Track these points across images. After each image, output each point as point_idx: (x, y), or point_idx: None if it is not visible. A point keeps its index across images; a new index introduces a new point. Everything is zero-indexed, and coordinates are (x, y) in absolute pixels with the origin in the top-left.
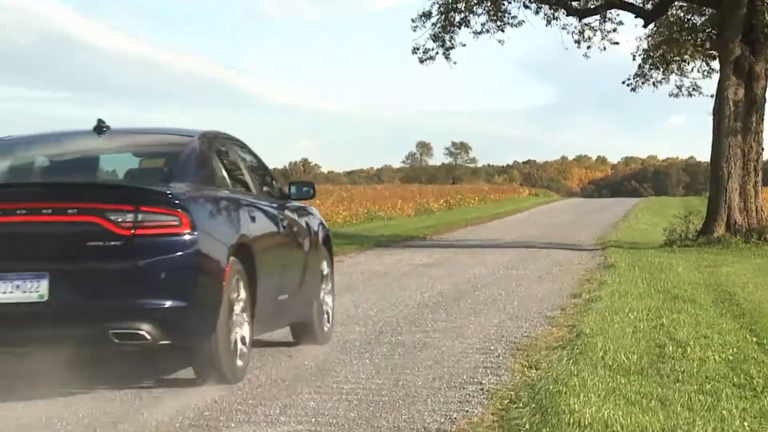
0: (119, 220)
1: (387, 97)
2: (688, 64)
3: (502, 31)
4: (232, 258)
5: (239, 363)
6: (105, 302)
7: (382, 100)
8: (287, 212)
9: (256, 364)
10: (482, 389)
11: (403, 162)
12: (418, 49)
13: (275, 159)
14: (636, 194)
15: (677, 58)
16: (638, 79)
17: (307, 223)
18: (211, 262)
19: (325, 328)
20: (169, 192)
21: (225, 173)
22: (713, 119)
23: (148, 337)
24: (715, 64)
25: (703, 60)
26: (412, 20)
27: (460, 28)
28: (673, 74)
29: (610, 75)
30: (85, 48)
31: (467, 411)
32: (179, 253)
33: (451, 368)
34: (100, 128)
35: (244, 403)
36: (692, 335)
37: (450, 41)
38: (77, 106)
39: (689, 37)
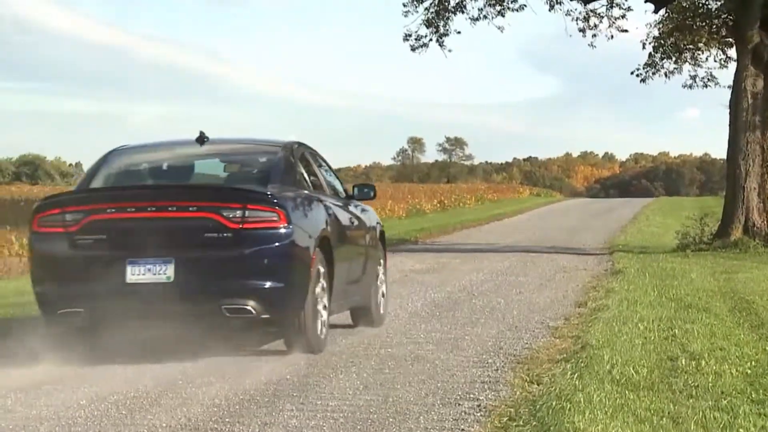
0: (230, 216)
1: (376, 88)
2: (703, 52)
3: (502, 16)
4: (316, 248)
5: (321, 336)
6: (219, 282)
7: (370, 91)
8: (352, 210)
9: (232, 374)
10: (479, 406)
11: (394, 159)
12: (410, 35)
13: None
14: (646, 194)
15: (690, 47)
16: (648, 69)
17: (368, 220)
18: (302, 250)
19: (381, 312)
20: (269, 193)
21: (306, 177)
22: (730, 113)
23: (253, 311)
24: (732, 53)
25: (718, 48)
26: (404, 4)
27: (455, 14)
28: (687, 64)
29: (618, 65)
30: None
31: (463, 430)
32: (277, 243)
33: (446, 383)
34: (202, 139)
35: (220, 421)
36: (707, 347)
37: (444, 27)
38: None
39: (703, 24)
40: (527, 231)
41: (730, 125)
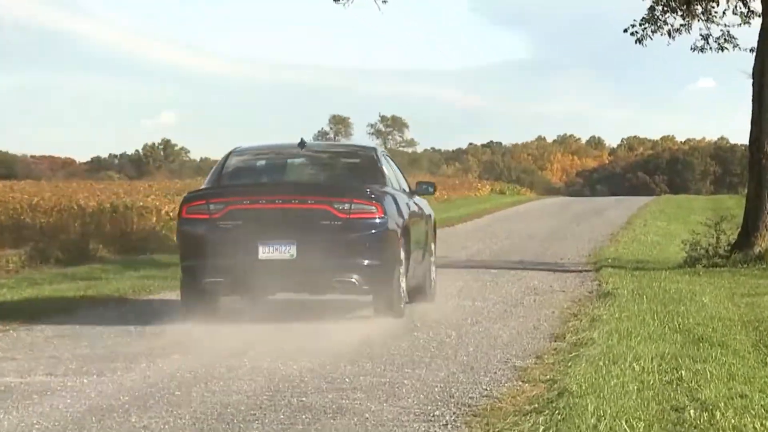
0: (340, 207)
1: (287, 53)
2: (718, 4)
3: None
4: (401, 234)
5: (402, 305)
6: (331, 260)
7: (279, 56)
8: (417, 202)
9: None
10: None
11: None
12: None
13: (125, 142)
14: (645, 191)
15: None
16: (647, 25)
17: (427, 212)
18: (393, 236)
19: (433, 291)
20: (369, 190)
21: (389, 175)
22: (753, 84)
23: (357, 284)
24: (756, 5)
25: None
26: None
27: None
28: (697, 19)
29: (606, 23)
30: None
31: None
32: (375, 230)
33: None
34: (303, 144)
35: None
36: (723, 394)
37: None
38: None
39: None
40: (487, 240)
41: (753, 100)
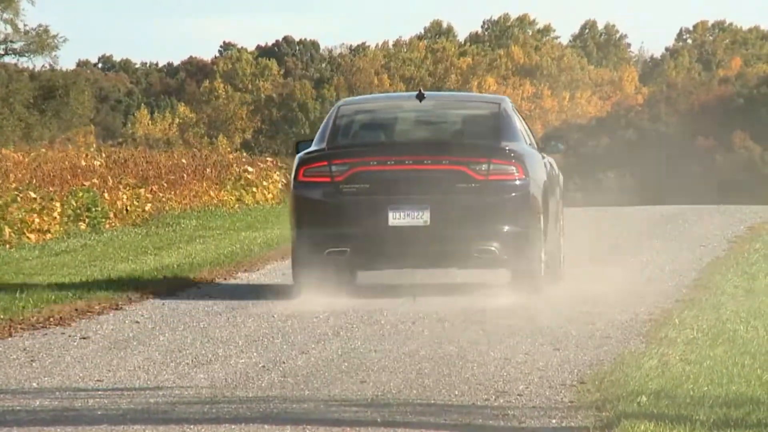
0: (477, 168)
1: None
2: None
3: None
4: (541, 198)
5: (542, 273)
6: (469, 227)
7: None
8: (549, 162)
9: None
10: None
11: None
12: None
13: None
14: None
15: None
16: None
17: (557, 173)
18: (535, 199)
19: (562, 261)
20: (508, 149)
21: (524, 132)
22: None
23: (497, 252)
24: None
25: None
26: None
27: None
28: None
29: None
30: None
31: None
32: (516, 193)
33: None
34: (421, 95)
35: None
36: None
37: None
38: None
39: None
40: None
41: None
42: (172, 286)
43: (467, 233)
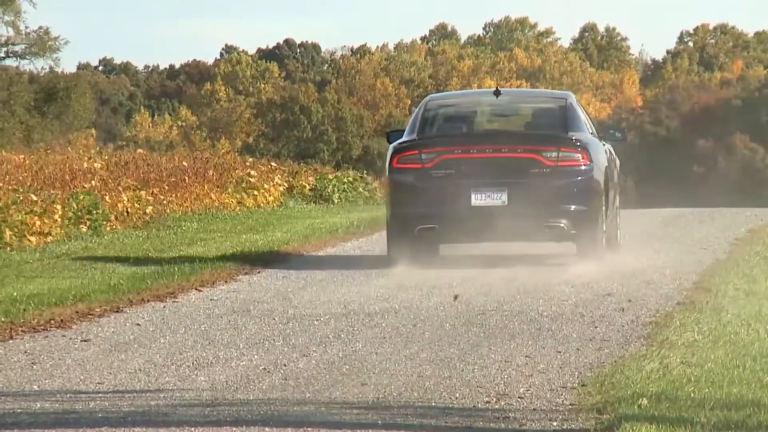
0: (548, 155)
1: None
2: None
3: None
4: (603, 181)
5: (603, 245)
6: (541, 206)
7: None
8: (609, 149)
9: None
10: None
11: None
12: None
13: None
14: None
15: None
16: None
17: (614, 158)
18: (597, 182)
19: (619, 239)
20: (575, 138)
21: (587, 123)
22: None
23: (565, 228)
24: None
25: None
26: None
27: None
28: None
29: None
30: None
31: None
32: (581, 177)
33: None
34: (498, 92)
35: None
36: None
37: None
38: None
39: None
40: None
41: None
42: (173, 289)
43: (540, 212)
